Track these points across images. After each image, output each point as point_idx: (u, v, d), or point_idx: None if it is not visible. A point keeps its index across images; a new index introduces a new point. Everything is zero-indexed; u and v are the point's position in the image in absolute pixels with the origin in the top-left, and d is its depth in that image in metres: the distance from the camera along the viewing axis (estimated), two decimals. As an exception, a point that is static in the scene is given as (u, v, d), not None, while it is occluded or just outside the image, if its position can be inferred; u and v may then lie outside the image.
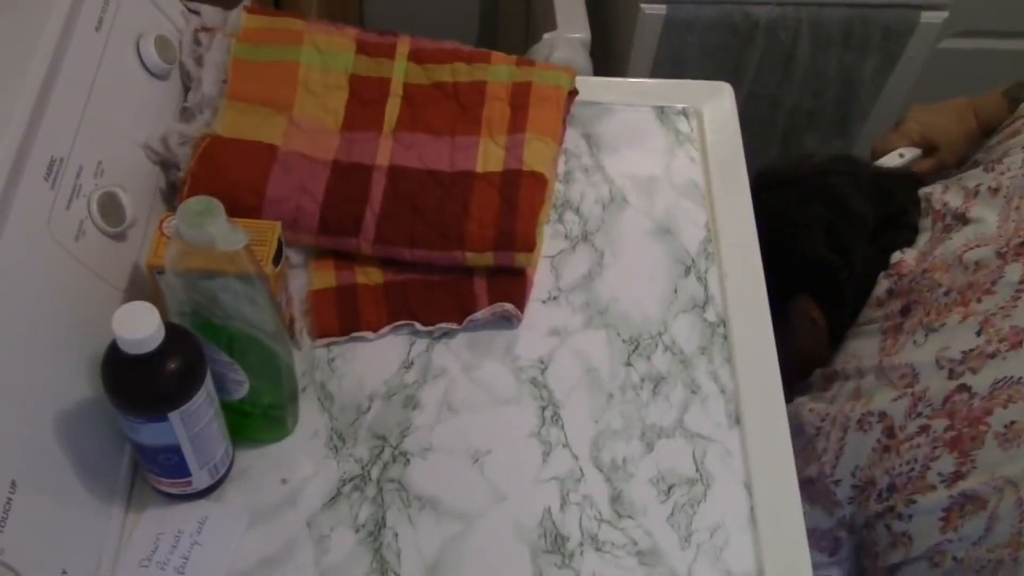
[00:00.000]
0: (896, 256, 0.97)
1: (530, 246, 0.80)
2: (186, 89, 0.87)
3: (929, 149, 1.23)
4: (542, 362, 0.79)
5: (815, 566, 0.92)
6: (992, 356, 0.85)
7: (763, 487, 0.74)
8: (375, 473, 0.73)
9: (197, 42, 0.87)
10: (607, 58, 1.56)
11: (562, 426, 0.76)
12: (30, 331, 0.63)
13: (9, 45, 0.67)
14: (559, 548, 0.70)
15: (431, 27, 1.09)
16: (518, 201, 0.82)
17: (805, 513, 0.90)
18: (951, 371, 0.86)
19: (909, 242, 0.98)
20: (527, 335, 0.81)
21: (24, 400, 0.62)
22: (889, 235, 1.00)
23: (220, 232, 0.59)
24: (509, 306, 0.80)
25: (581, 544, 0.71)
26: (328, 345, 0.79)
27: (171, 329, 0.60)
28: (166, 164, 0.82)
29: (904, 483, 0.85)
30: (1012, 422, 0.82)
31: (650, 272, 0.85)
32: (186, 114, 0.85)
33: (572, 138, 0.94)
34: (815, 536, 0.91)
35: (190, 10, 0.89)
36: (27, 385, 0.62)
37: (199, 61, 0.86)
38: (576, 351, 0.80)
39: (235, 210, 0.64)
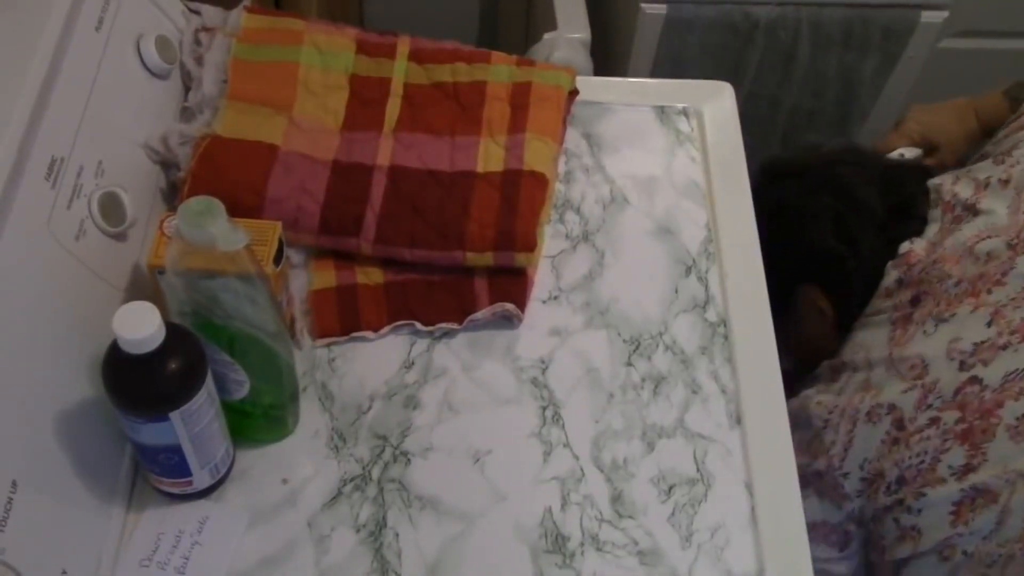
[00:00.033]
0: (905, 246, 0.97)
1: (531, 246, 0.80)
2: (186, 89, 0.87)
3: (929, 149, 1.22)
4: (543, 362, 0.79)
5: (825, 561, 0.91)
6: (1004, 348, 0.85)
7: (764, 487, 0.74)
8: (376, 473, 0.73)
9: (197, 42, 0.87)
10: (607, 58, 1.56)
11: (563, 426, 0.76)
12: (30, 331, 0.63)
13: (9, 45, 0.67)
14: (560, 548, 0.70)
15: (431, 27, 1.09)
16: (518, 201, 0.82)
17: (815, 507, 0.90)
18: (962, 363, 0.86)
19: (918, 233, 0.98)
20: (528, 335, 0.81)
21: (25, 400, 0.62)
22: (898, 225, 1.00)
23: (221, 232, 0.59)
24: (510, 306, 0.80)
25: (582, 544, 0.71)
26: (329, 345, 0.79)
27: (172, 329, 0.60)
28: (166, 164, 0.82)
29: (914, 476, 0.85)
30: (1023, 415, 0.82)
31: (651, 272, 0.85)
32: (186, 114, 0.85)
33: (572, 138, 0.94)
34: (825, 530, 0.91)
35: (190, 10, 0.89)
36: (28, 385, 0.62)
37: (199, 61, 0.86)
38: (577, 351, 0.80)
39: (236, 210, 0.64)
